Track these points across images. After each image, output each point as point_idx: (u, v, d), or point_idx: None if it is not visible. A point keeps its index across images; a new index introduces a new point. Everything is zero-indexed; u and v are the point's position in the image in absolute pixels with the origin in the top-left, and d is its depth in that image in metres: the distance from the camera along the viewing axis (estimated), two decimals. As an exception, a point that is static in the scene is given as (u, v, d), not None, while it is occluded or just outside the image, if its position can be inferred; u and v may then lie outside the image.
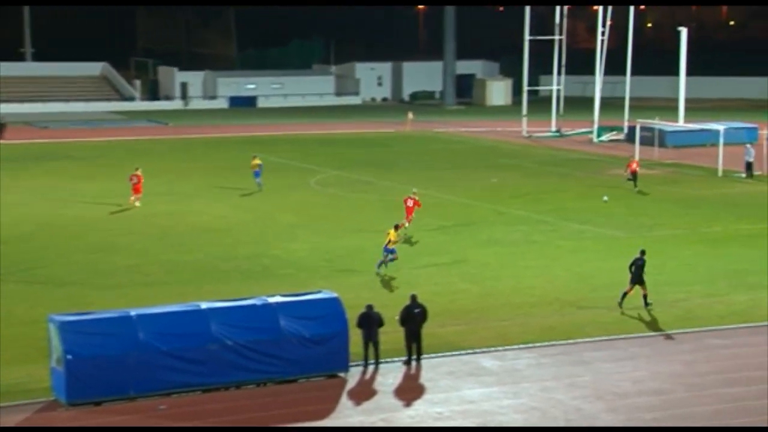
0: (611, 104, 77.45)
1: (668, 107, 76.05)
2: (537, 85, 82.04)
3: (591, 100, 71.02)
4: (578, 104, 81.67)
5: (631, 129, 64.50)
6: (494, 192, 48.42)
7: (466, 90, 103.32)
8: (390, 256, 32.18)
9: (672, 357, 24.46)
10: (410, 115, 76.70)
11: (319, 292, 24.47)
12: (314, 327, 22.72)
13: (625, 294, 28.52)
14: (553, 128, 72.71)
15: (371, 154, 63.13)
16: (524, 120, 72.28)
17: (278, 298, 23.37)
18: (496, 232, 38.70)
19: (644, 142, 59.79)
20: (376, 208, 44.49)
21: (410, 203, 38.23)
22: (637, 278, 28.40)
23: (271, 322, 22.49)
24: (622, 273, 32.26)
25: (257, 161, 49.40)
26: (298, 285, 30.02)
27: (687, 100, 68.47)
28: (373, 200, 46.30)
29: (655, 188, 48.87)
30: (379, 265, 32.01)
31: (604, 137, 69.45)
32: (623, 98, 70.02)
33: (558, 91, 72.00)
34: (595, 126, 69.42)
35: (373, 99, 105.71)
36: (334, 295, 23.69)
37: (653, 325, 26.99)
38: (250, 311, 22.74)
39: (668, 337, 26.00)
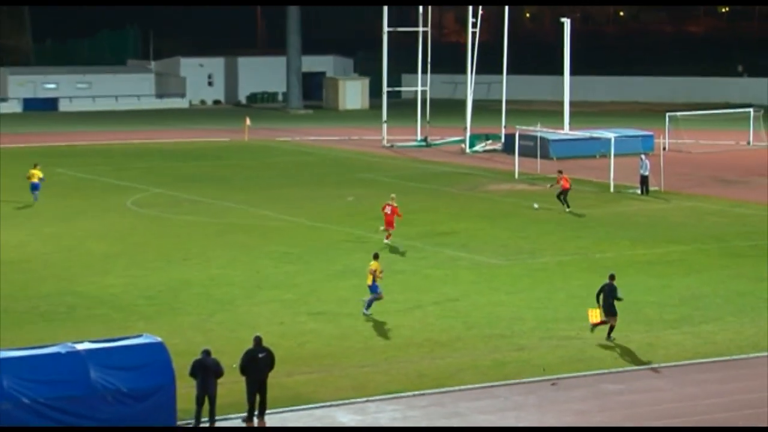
0: (486, 108, 78.89)
1: (552, 111, 78.08)
2: (399, 85, 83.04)
3: (462, 103, 72.22)
4: (447, 108, 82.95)
5: (509, 137, 65.79)
6: (350, 213, 48.65)
7: (314, 91, 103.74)
8: (375, 295, 31.86)
9: (562, 406, 24.96)
10: (248, 121, 76.50)
11: (139, 336, 24.07)
12: (133, 379, 22.30)
13: (611, 328, 29.48)
14: (419, 137, 73.63)
15: (201, 168, 62.60)
16: (384, 127, 72.98)
17: (87, 345, 22.88)
18: (353, 261, 38.84)
19: (524, 152, 61.10)
20: (207, 232, 44.11)
21: (388, 210, 41.13)
22: (610, 307, 29.29)
23: (80, 374, 21.97)
24: (502, 306, 32.84)
25: (38, 172, 50.17)
26: (113, 328, 29.47)
27: (573, 103, 70.47)
28: (204, 223, 45.91)
29: (539, 208, 49.83)
30: (368, 307, 31.80)
31: (478, 147, 70.70)
32: (499, 101, 71.46)
33: (423, 92, 72.99)
34: (468, 134, 70.60)
35: (203, 102, 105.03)
36: (158, 339, 23.33)
37: (539, 368, 27.49)
38: (52, 361, 22.16)
39: (556, 382, 26.52)
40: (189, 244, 41.77)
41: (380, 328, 30.81)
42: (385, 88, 73.24)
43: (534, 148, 61.86)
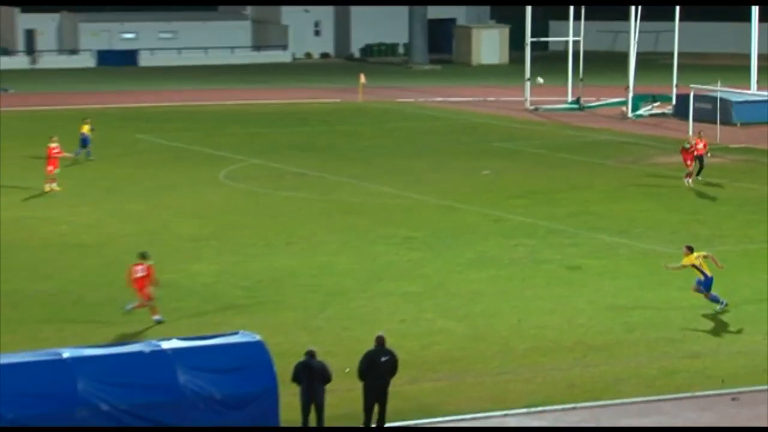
0: (653, 62, 78.16)
1: (735, 66, 76.90)
2: (546, 35, 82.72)
3: (624, 56, 71.60)
4: (605, 63, 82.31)
5: (682, 99, 65.15)
6: (486, 190, 48.69)
7: (443, 42, 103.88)
8: (719, 303, 31.91)
9: (744, 424, 24.82)
10: (362, 79, 76.96)
11: (234, 334, 24.54)
12: (228, 384, 22.76)
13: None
14: (570, 98, 73.29)
15: (307, 136, 63.22)
16: (527, 86, 72.78)
17: (175, 343, 23.37)
18: (489, 248, 38.95)
19: (700, 117, 60.45)
20: (314, 212, 44.60)
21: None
22: None
23: (166, 378, 22.49)
24: (672, 306, 32.64)
25: (88, 127, 53.70)
26: (205, 324, 30.06)
27: (762, 57, 69.37)
28: (310, 201, 46.41)
29: (719, 185, 49.33)
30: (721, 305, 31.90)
31: (643, 111, 70.13)
32: (670, 54, 70.70)
33: (576, 43, 72.59)
34: (630, 94, 70.01)
35: (309, 55, 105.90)
36: (257, 337, 23.77)
37: (716, 380, 27.36)
38: (134, 362, 22.71)
39: (737, 397, 26.37)
40: (293, 225, 42.27)
41: (522, 329, 30.90)
42: (528, 39, 72.95)
43: (713, 112, 61.10)
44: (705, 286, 31.85)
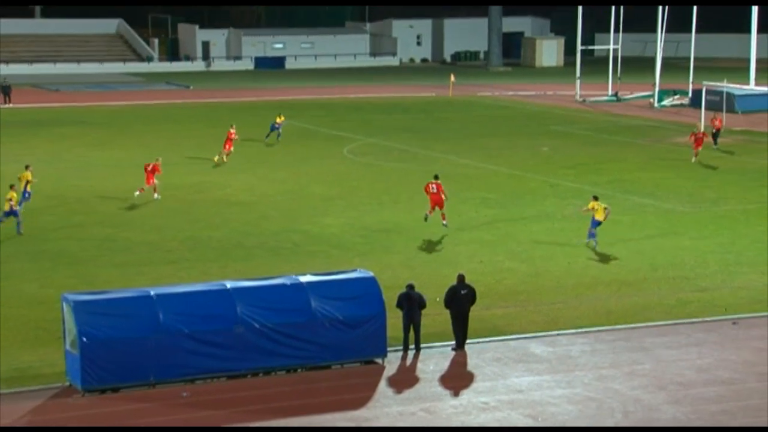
0: (674, 65, 76.73)
1: (738, 68, 75.22)
2: (592, 44, 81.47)
3: (652, 60, 70.44)
4: (637, 65, 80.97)
5: (696, 93, 63.87)
6: (545, 162, 48.22)
7: (513, 50, 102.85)
8: (593, 239, 32.47)
9: (741, 343, 24.31)
10: (452, 78, 76.51)
11: (353, 271, 24.53)
12: (349, 309, 22.78)
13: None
14: (610, 92, 72.26)
15: (409, 121, 63.06)
16: (578, 83, 71.84)
17: (309, 278, 23.43)
18: (547, 206, 38.57)
19: (711, 106, 59.14)
20: (415, 179, 44.42)
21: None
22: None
23: (302, 304, 22.56)
24: (686, 251, 32.11)
25: (282, 118, 54.34)
26: (331, 263, 30.13)
27: (759, 60, 67.79)
28: (413, 170, 46.29)
29: (723, 158, 48.39)
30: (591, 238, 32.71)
31: (666, 102, 68.93)
32: (688, 58, 69.34)
33: (615, 50, 71.40)
34: (656, 89, 68.86)
35: (412, 60, 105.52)
36: (370, 274, 23.72)
37: (720, 308, 26.80)
38: (279, 291, 22.81)
39: (737, 321, 25.80)
40: (398, 188, 42.21)
41: (571, 268, 30.55)
42: (579, 47, 71.94)
43: (720, 103, 59.77)
44: (593, 224, 32.57)
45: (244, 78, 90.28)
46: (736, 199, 39.75)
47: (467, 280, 24.22)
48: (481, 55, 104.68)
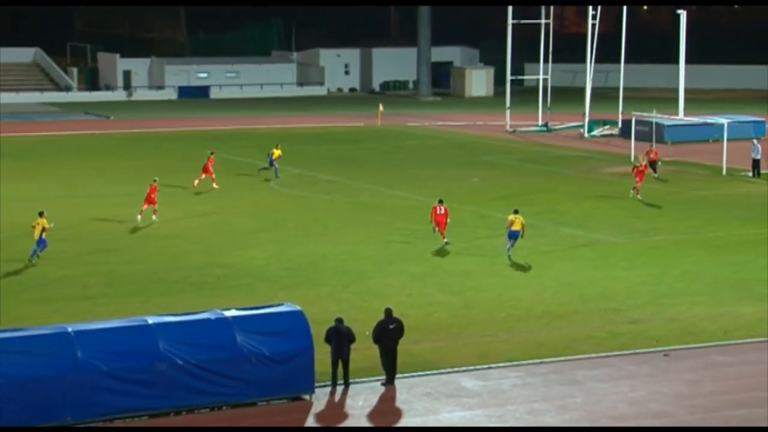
0: (604, 95, 77.79)
1: (667, 98, 76.51)
2: (522, 74, 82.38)
3: (581, 90, 71.36)
4: (567, 95, 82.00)
5: (626, 123, 64.84)
6: (475, 193, 48.52)
7: (442, 79, 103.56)
8: (508, 249, 35.29)
9: (673, 376, 24.58)
10: (381, 108, 76.81)
11: (280, 304, 24.40)
12: (275, 344, 22.64)
13: None
14: (540, 122, 73.01)
15: (337, 151, 63.10)
16: (508, 113, 72.50)
17: (234, 312, 23.26)
18: (477, 238, 38.76)
19: (641, 137, 60.10)
20: (342, 210, 44.48)
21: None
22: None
23: (227, 339, 22.38)
24: (618, 282, 32.47)
25: (278, 152, 52.79)
26: (257, 297, 29.92)
27: (687, 91, 69.01)
28: (340, 202, 46.27)
29: (653, 189, 49.09)
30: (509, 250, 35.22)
31: (596, 132, 69.81)
32: (617, 89, 70.38)
33: (545, 80, 72.28)
34: (586, 119, 69.71)
35: (340, 90, 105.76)
36: (297, 308, 23.61)
37: (652, 340, 27.09)
38: (202, 326, 22.61)
39: (668, 353, 26.09)
40: (326, 220, 42.15)
41: (502, 300, 30.71)
42: (508, 77, 72.74)
43: (649, 133, 60.69)
44: (510, 235, 35.48)
45: (167, 108, 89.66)
46: (667, 230, 40.31)
47: (396, 314, 24.24)
48: (410, 85, 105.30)
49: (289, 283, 32.49)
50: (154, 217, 41.50)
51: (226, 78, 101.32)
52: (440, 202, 38.07)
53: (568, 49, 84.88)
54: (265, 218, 42.61)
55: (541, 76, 72.57)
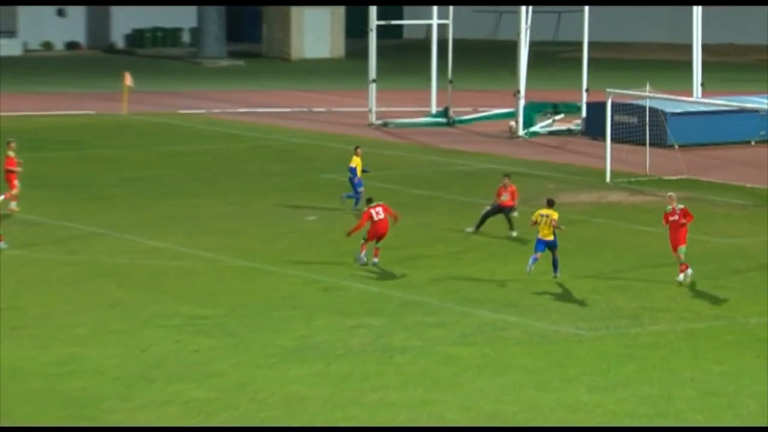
0: (553, 57, 78.91)
1: (670, 62, 78.13)
2: (398, 18, 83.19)
3: (511, 47, 72.25)
4: (485, 57, 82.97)
5: (595, 109, 65.74)
6: (311, 244, 48.66)
7: (247, 29, 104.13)
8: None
9: None
10: (128, 80, 76.55)
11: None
12: None
13: None
14: (434, 108, 73.57)
15: (41, 166, 62.36)
16: (372, 90, 72.85)
17: None
18: (316, 331, 38.74)
19: (622, 135, 61.15)
20: (53, 278, 44.22)
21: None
22: None
23: None
24: (581, 415, 32.76)
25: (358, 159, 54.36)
26: None
27: (706, 48, 70.41)
28: (48, 262, 46.12)
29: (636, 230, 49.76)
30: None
31: (540, 126, 70.77)
32: (576, 44, 71.52)
33: (443, 29, 73.00)
34: (521, 103, 70.34)
35: (48, 45, 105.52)
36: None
37: None
38: None
39: None
40: (21, 299, 41.65)
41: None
42: (373, 22, 73.07)
43: (639, 129, 61.69)
44: (539, 246, 42.86)
45: None
46: (673, 312, 41.00)
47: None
48: (186, 37, 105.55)
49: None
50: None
51: None
52: (369, 201, 45.70)
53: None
54: None
55: (435, 21, 73.27)
